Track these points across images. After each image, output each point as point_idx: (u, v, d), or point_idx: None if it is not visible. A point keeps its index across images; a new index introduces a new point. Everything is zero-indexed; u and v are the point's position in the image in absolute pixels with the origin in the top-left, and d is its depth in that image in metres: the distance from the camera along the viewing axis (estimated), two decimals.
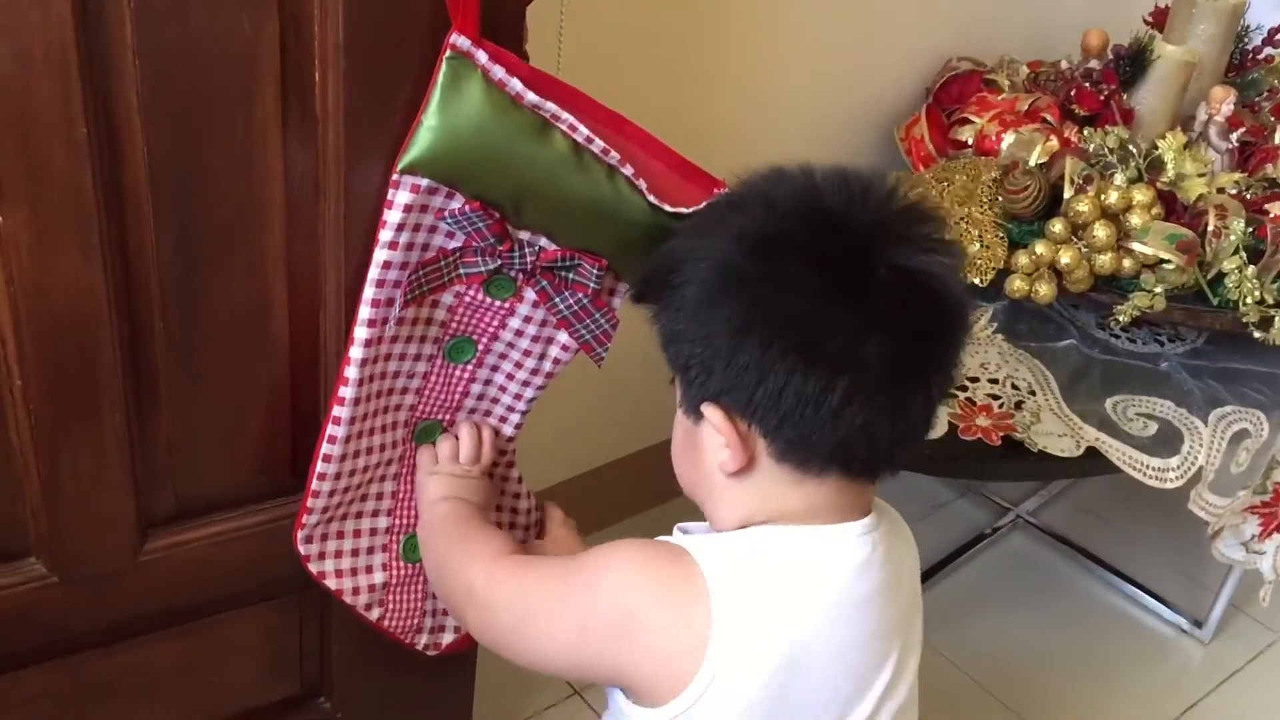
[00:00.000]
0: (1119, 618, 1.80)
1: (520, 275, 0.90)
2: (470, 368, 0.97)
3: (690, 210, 0.86)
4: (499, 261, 0.89)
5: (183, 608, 1.00)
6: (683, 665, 0.75)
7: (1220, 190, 1.44)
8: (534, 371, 0.98)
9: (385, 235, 0.85)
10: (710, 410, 0.76)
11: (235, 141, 0.82)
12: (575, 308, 0.92)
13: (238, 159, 0.83)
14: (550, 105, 0.82)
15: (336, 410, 0.90)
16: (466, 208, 0.84)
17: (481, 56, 0.80)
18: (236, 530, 0.99)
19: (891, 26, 1.70)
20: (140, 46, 0.76)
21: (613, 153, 0.84)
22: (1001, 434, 1.30)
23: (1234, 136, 1.52)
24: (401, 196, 0.83)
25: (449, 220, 0.85)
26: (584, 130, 0.83)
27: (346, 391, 0.89)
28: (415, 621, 1.05)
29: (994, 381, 1.40)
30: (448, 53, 0.79)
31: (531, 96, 0.81)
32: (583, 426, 1.62)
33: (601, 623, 0.78)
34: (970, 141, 1.59)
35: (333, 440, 0.91)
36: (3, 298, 0.80)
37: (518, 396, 1.00)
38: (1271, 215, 1.41)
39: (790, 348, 0.72)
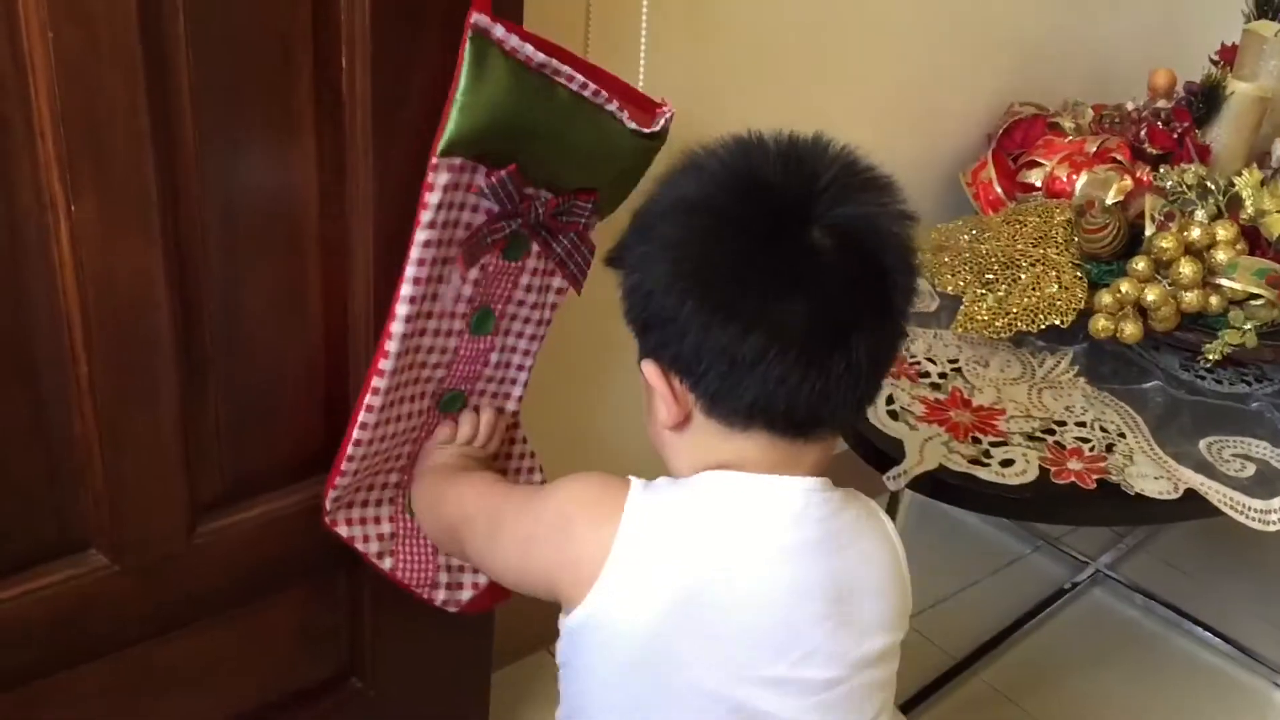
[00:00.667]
0: (1210, 674, 1.73)
1: (528, 230, 0.97)
2: (490, 337, 1.03)
3: (650, 130, 0.96)
4: (518, 221, 0.95)
5: (231, 591, 1.02)
6: (589, 572, 0.80)
7: None
8: (538, 324, 1.05)
9: (426, 216, 0.89)
10: (647, 366, 0.82)
11: (274, 127, 0.86)
12: (569, 246, 1.00)
13: (277, 144, 0.87)
14: (553, 62, 0.89)
15: (375, 381, 0.94)
16: (504, 174, 0.90)
17: (498, 30, 0.86)
18: (279, 510, 1.01)
19: (952, 73, 1.69)
20: (193, 38, 0.79)
21: (601, 92, 0.92)
22: (1096, 477, 1.26)
23: None
24: (441, 178, 0.88)
25: (486, 190, 0.91)
26: (579, 78, 0.91)
27: (386, 364, 0.94)
28: (429, 575, 1.09)
29: (1081, 425, 1.36)
30: (470, 33, 0.85)
31: (540, 58, 0.88)
32: None
33: (545, 531, 0.85)
34: (1039, 184, 1.57)
35: (370, 409, 0.95)
36: (71, 285, 0.81)
37: (526, 354, 1.07)
38: None
39: (705, 304, 0.75)
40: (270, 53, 0.83)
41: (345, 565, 1.06)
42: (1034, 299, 1.40)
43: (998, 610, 1.78)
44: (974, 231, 1.52)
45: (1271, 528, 1.27)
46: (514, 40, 0.87)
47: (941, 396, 1.41)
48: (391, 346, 0.93)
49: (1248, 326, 1.32)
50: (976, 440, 1.32)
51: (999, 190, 1.60)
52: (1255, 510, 1.26)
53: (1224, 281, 1.31)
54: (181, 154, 0.82)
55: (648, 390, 0.84)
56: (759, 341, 0.75)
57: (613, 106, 0.94)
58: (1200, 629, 1.78)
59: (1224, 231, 1.34)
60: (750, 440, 0.80)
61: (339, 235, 0.93)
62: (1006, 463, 1.27)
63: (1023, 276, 1.43)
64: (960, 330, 1.44)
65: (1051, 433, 1.34)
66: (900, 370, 1.45)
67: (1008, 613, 1.78)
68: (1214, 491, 1.26)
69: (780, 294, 0.75)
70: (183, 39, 0.79)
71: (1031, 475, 1.26)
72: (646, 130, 0.97)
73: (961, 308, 1.45)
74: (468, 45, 0.85)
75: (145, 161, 0.80)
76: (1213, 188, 1.42)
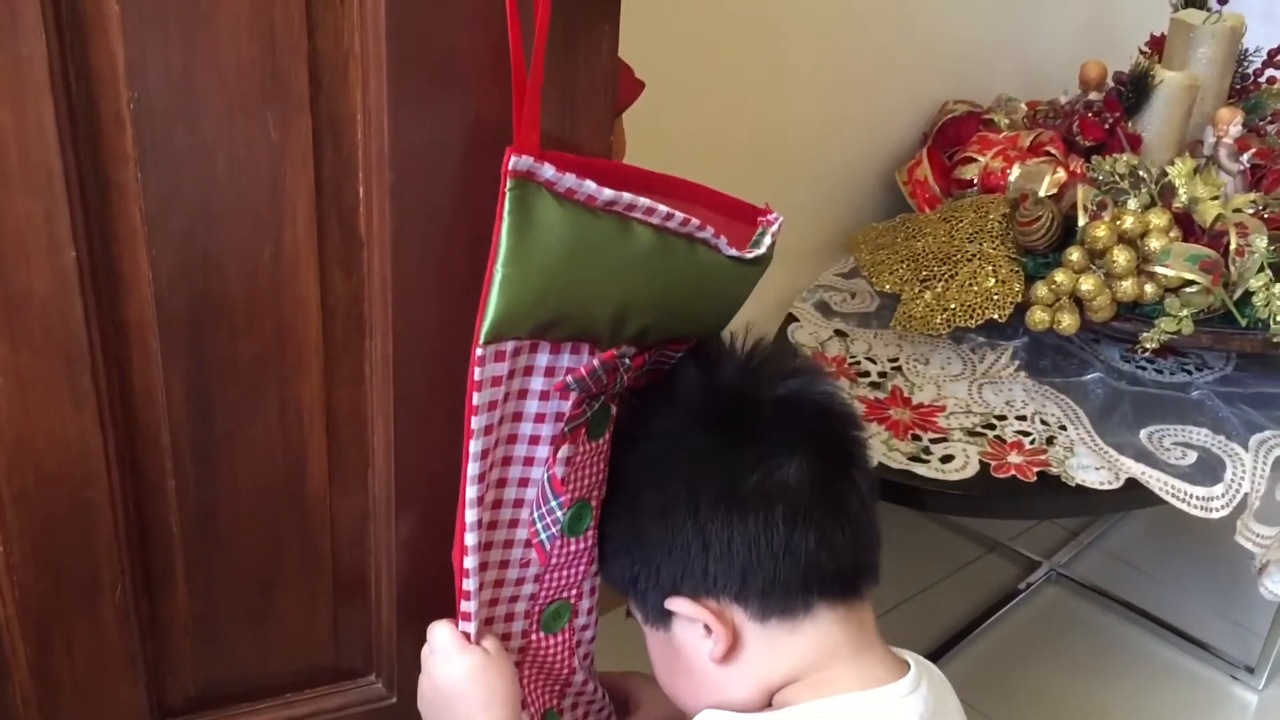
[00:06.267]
0: (1167, 668, 1.72)
1: (611, 400, 0.78)
2: (590, 532, 0.81)
3: (751, 254, 0.78)
4: (600, 398, 0.76)
5: None
6: None
7: (1237, 210, 1.40)
8: None
9: (478, 422, 0.70)
10: (675, 603, 0.75)
11: (261, 267, 0.70)
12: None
13: (264, 288, 0.71)
14: (625, 196, 0.69)
15: (464, 626, 0.78)
16: (596, 364, 0.72)
17: (546, 171, 0.66)
18: None
19: (887, 74, 1.68)
20: (142, 157, 0.64)
21: (691, 220, 0.72)
22: (1036, 469, 1.24)
23: (1244, 158, 1.48)
24: (490, 370, 0.69)
25: (573, 385, 0.72)
26: (661, 208, 0.71)
27: (468, 606, 0.77)
28: None
29: (1022, 418, 1.34)
30: (509, 182, 0.65)
31: (606, 194, 0.68)
32: None
33: None
34: (975, 180, 1.56)
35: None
36: None
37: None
38: None
39: (716, 502, 0.73)
40: (254, 175, 0.67)
41: None
42: (971, 294, 1.39)
43: (954, 612, 1.76)
44: (910, 229, 1.51)
45: (1214, 515, 1.26)
46: (569, 180, 0.66)
47: (881, 395, 1.39)
48: (469, 585, 0.76)
49: (1184, 314, 1.31)
50: (916, 438, 1.31)
51: (935, 188, 1.59)
52: (1197, 498, 1.25)
53: (1158, 269, 1.30)
54: (130, 297, 0.68)
55: (668, 644, 0.79)
56: (785, 511, 0.73)
57: (707, 234, 0.73)
58: (1155, 624, 1.77)
59: (1157, 219, 1.34)
60: (816, 625, 0.75)
61: (354, 402, 0.77)
62: (946, 459, 1.26)
63: (959, 272, 1.41)
64: (899, 328, 1.43)
65: (992, 427, 1.32)
66: (840, 371, 1.44)
67: (964, 615, 1.76)
68: (1155, 480, 1.25)
69: (773, 459, 0.74)
70: (130, 157, 0.63)
71: (972, 470, 1.25)
72: (749, 256, 0.77)
73: (900, 306, 1.44)
74: (507, 198, 0.65)
75: (72, 305, 0.65)
76: (1145, 176, 1.41)
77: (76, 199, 0.64)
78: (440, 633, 0.78)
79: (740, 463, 0.74)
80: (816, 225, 1.68)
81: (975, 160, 1.57)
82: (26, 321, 0.65)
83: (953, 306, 1.39)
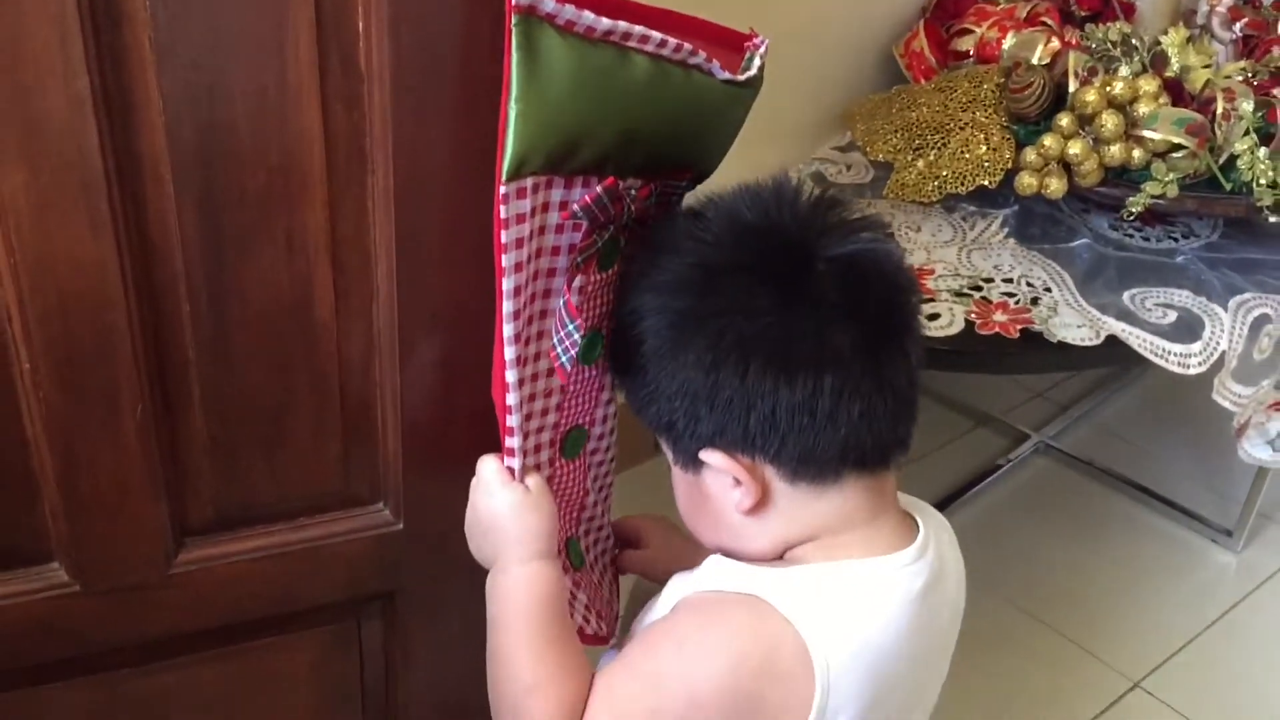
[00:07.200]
0: (1150, 533, 1.78)
1: (620, 232, 0.80)
2: (601, 361, 0.85)
3: (743, 76, 0.81)
4: (610, 228, 0.78)
5: (223, 629, 0.91)
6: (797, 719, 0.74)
7: (1226, 77, 1.42)
8: None
9: (508, 260, 0.72)
10: (710, 455, 0.75)
11: (266, 98, 0.72)
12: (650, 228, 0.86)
13: (269, 120, 0.72)
14: (621, 24, 0.71)
15: (509, 462, 0.80)
16: (599, 191, 0.74)
17: (547, 4, 0.67)
18: (282, 545, 0.89)
19: None
20: None
21: (684, 46, 0.75)
22: (1020, 327, 1.28)
23: (1237, 28, 1.50)
24: (515, 207, 0.71)
25: (580, 213, 0.74)
26: (655, 35, 0.73)
27: (513, 441, 0.79)
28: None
29: (1008, 281, 1.38)
30: (513, 18, 0.67)
31: (604, 24, 0.70)
32: None
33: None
34: (971, 51, 1.57)
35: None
36: (4, 270, 0.72)
37: None
38: None
39: (766, 365, 0.72)
40: (257, 2, 0.68)
41: (368, 613, 0.94)
42: (963, 162, 1.42)
43: (946, 479, 1.82)
44: (905, 100, 1.53)
45: (1191, 371, 1.30)
46: (569, 11, 0.68)
47: None
48: (513, 421, 0.78)
49: (1170, 178, 1.33)
50: None
51: (931, 60, 1.60)
52: (1175, 354, 1.29)
53: (1145, 133, 1.33)
54: (142, 126, 0.70)
55: (696, 487, 0.78)
56: (833, 383, 0.71)
57: (700, 59, 0.76)
58: (1140, 492, 1.83)
59: (1147, 85, 1.36)
60: (842, 492, 0.75)
61: (358, 236, 0.80)
62: (933, 317, 1.30)
63: (952, 141, 1.44)
64: (892, 196, 1.46)
65: (979, 289, 1.36)
66: None
67: (955, 481, 1.82)
68: (1135, 338, 1.29)
69: (827, 327, 0.72)
70: None
71: (957, 328, 1.29)
72: (741, 78, 0.80)
73: (893, 174, 1.46)
74: (513, 34, 0.67)
75: (87, 131, 0.68)
76: (1137, 45, 1.43)
77: (89, 27, 0.66)
78: (486, 467, 0.80)
79: (795, 326, 0.72)
80: (814, 100, 1.70)
81: (972, 32, 1.58)
82: (44, 147, 0.68)
83: (945, 174, 1.42)
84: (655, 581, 0.93)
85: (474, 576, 0.86)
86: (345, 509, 0.91)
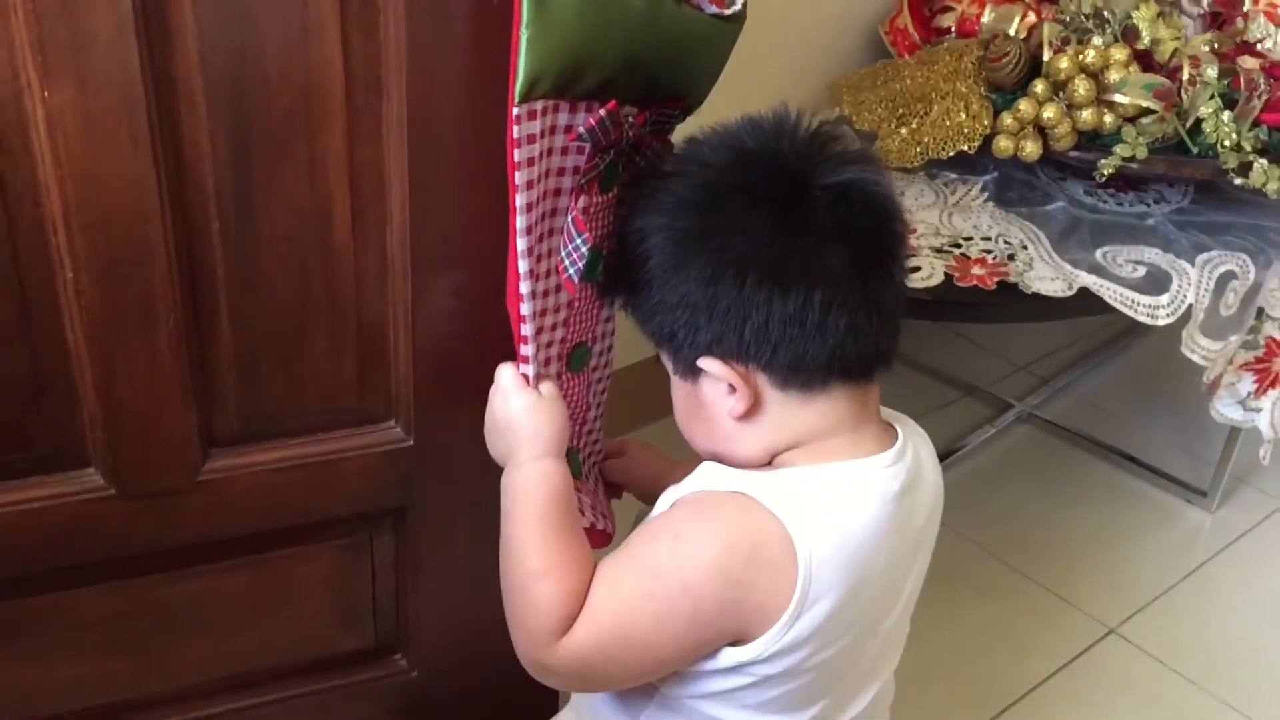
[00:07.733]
0: (1129, 495, 1.85)
1: (619, 156, 0.86)
2: (603, 279, 0.91)
3: (729, 11, 0.87)
4: (612, 151, 0.84)
5: (245, 537, 0.98)
6: (782, 603, 0.79)
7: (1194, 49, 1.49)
8: None
9: (521, 177, 0.78)
10: (708, 362, 0.80)
11: (290, 28, 0.79)
12: (654, 158, 0.90)
13: (294, 48, 0.79)
14: None
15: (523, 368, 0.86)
16: (603, 114, 0.80)
17: None
18: (301, 458, 0.96)
19: None
20: None
21: None
22: (996, 279, 1.35)
23: (1205, 3, 1.57)
24: (526, 128, 0.77)
25: (586, 135, 0.81)
26: None
27: (527, 349, 0.85)
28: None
29: (987, 239, 1.45)
30: None
31: None
32: None
33: (711, 609, 0.79)
34: (952, 27, 1.64)
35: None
36: (52, 182, 0.77)
37: None
38: (1245, 67, 1.45)
39: (762, 279, 0.77)
40: None
41: (380, 527, 1.00)
42: (944, 129, 1.48)
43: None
44: (889, 73, 1.60)
45: (1160, 321, 1.37)
46: None
47: None
48: (527, 330, 0.84)
49: (1140, 141, 1.40)
50: None
51: (915, 36, 1.67)
52: (1144, 305, 1.36)
53: (1116, 97, 1.40)
54: (177, 51, 0.76)
55: (693, 395, 0.84)
56: (823, 297, 0.77)
57: None
58: (1117, 456, 1.89)
59: (1118, 54, 1.43)
60: (829, 400, 0.81)
61: (374, 162, 0.87)
62: (913, 270, 1.36)
63: (933, 109, 1.51)
64: None
65: (958, 246, 1.43)
66: None
67: (939, 447, 1.87)
68: (1106, 289, 1.36)
69: (820, 247, 0.78)
70: None
71: (937, 280, 1.36)
72: (726, 13, 0.87)
73: (877, 142, 1.53)
74: None
75: (130, 51, 0.73)
76: (1109, 18, 1.50)
77: None
78: (504, 373, 0.86)
79: (790, 246, 0.78)
80: (803, 78, 1.76)
81: (953, 9, 1.65)
82: (91, 64, 0.75)
83: (926, 140, 1.49)
84: (630, 492, 1.03)
85: (481, 495, 0.93)
86: (359, 425, 0.98)
